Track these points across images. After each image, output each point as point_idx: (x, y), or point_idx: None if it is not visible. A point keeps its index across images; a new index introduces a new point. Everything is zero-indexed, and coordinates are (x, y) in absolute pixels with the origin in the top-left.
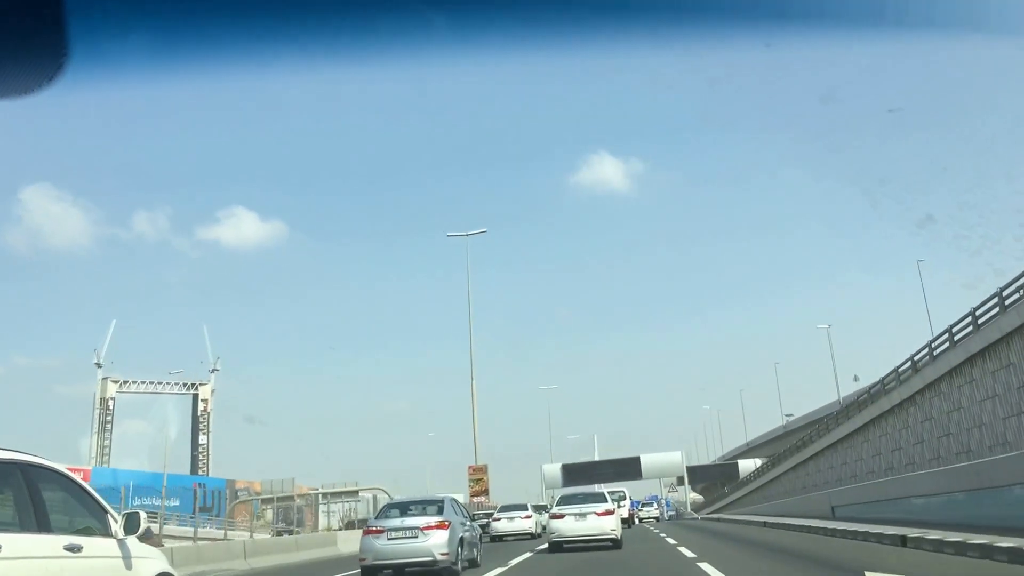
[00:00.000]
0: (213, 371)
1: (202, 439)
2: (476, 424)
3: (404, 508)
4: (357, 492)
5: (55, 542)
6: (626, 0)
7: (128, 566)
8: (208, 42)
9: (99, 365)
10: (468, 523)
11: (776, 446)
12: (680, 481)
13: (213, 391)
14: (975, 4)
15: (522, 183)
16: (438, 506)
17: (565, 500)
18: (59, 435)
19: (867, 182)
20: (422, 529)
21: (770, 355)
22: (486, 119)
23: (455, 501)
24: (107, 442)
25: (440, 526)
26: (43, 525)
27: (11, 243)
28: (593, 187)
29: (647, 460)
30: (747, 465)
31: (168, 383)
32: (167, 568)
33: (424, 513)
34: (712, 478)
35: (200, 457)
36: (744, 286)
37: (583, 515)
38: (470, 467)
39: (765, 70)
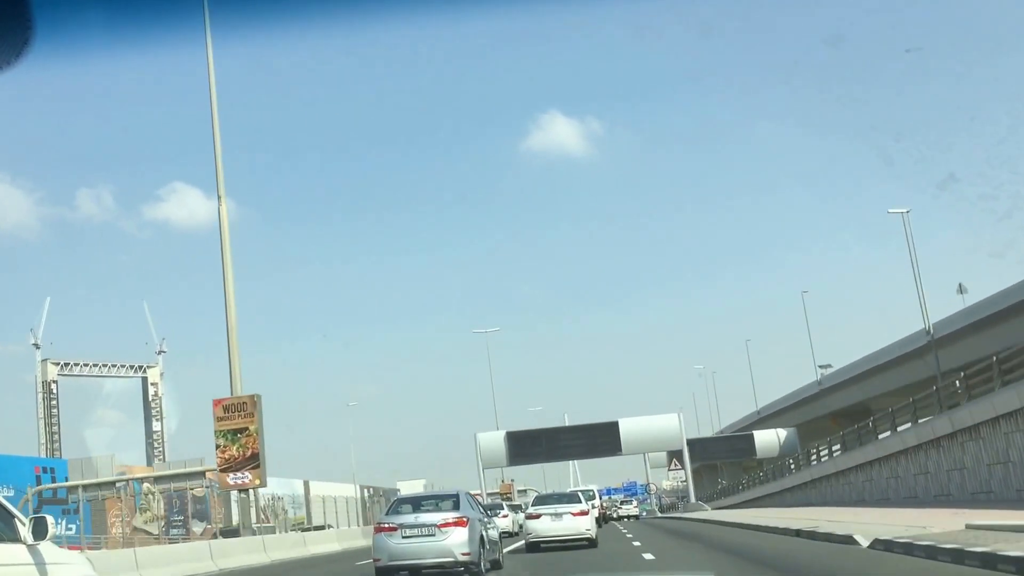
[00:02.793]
0: (160, 352)
1: (155, 425)
2: (231, 290)
3: (417, 503)
4: (203, 473)
5: None
6: None
7: (42, 573)
8: (150, 13)
9: (37, 346)
10: (487, 519)
11: (805, 410)
12: (677, 458)
13: (162, 374)
14: None
15: (473, 148)
16: (453, 501)
17: (541, 501)
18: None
19: (880, 137)
20: (439, 526)
21: (767, 319)
22: (427, 83)
23: (470, 495)
24: (55, 428)
25: (458, 523)
26: None
27: None
28: (549, 151)
29: (628, 428)
30: (767, 437)
31: (114, 365)
32: (91, 574)
33: (439, 509)
34: (717, 455)
35: (155, 445)
36: (733, 256)
37: (559, 515)
38: (215, 401)
39: (761, 10)
